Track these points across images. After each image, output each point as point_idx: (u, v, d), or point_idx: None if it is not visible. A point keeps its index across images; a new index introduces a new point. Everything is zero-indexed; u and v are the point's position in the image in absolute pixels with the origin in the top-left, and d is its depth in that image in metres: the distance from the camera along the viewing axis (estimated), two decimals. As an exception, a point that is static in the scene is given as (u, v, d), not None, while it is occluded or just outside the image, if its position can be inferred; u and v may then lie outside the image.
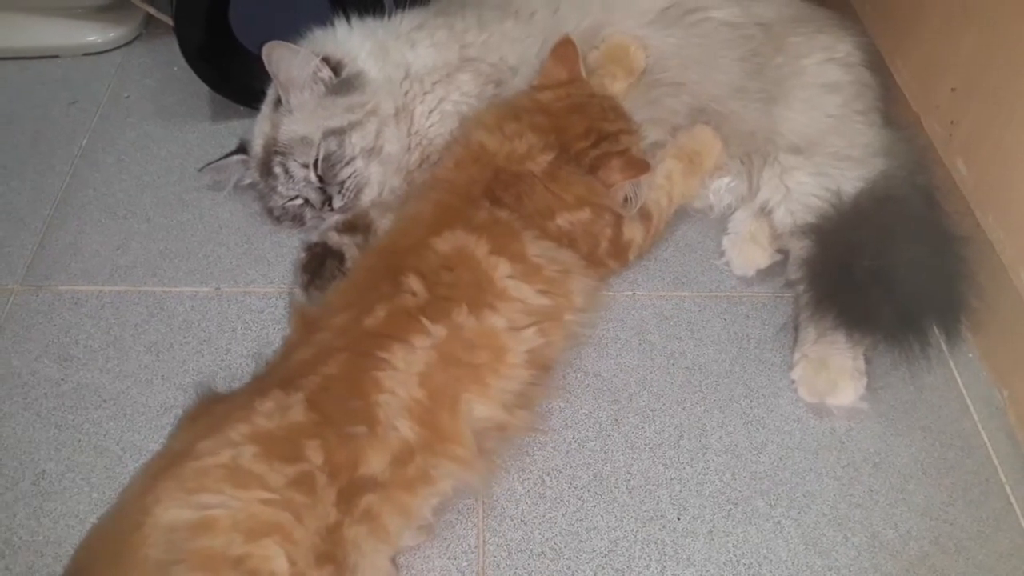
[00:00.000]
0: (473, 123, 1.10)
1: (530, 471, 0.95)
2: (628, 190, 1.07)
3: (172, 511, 0.72)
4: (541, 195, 1.01)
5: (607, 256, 1.07)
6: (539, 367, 0.94)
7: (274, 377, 0.88)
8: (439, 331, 0.87)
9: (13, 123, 1.40)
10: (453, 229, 0.95)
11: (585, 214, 1.03)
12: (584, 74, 1.13)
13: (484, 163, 1.02)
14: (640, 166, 1.05)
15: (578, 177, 1.03)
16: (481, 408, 0.87)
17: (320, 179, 1.12)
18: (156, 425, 0.99)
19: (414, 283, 0.90)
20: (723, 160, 1.15)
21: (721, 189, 1.18)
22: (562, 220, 1.01)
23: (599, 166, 1.04)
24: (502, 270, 0.93)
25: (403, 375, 0.84)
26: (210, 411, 0.87)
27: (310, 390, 0.82)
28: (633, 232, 1.09)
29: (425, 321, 0.87)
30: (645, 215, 1.10)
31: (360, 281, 0.96)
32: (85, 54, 1.53)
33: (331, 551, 0.75)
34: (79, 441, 0.98)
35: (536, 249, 0.97)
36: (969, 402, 1.02)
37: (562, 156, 1.03)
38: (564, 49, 1.12)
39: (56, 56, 1.52)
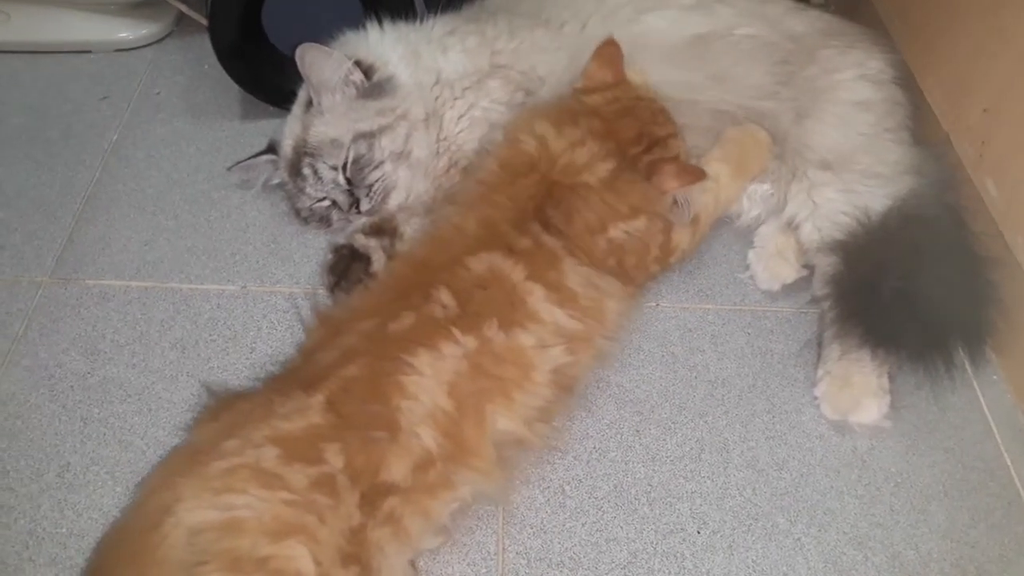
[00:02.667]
0: (525, 125, 1.05)
1: (551, 480, 0.95)
2: (679, 196, 1.04)
3: (197, 511, 0.72)
4: (595, 207, 0.98)
5: (653, 262, 1.06)
6: (563, 387, 0.93)
7: (296, 378, 0.88)
8: (470, 342, 0.87)
9: (45, 117, 1.41)
10: (491, 251, 0.93)
11: (640, 223, 1.01)
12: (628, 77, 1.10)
13: (540, 175, 0.99)
14: (696, 173, 1.03)
15: (634, 186, 1.01)
16: (505, 422, 0.87)
17: (348, 181, 1.12)
18: (180, 421, 0.99)
19: (445, 297, 0.89)
20: (768, 163, 1.14)
21: (756, 195, 1.17)
22: (616, 232, 0.99)
23: (653, 172, 1.02)
24: (537, 295, 0.92)
25: (429, 382, 0.84)
26: (232, 408, 0.87)
27: (331, 392, 0.82)
28: (681, 237, 1.07)
29: (456, 331, 0.87)
30: (693, 219, 1.09)
31: (390, 288, 0.96)
32: (117, 50, 1.54)
33: (356, 552, 0.75)
34: (104, 435, 0.98)
35: (576, 278, 0.95)
36: (992, 424, 1.01)
37: (622, 164, 1.01)
38: (608, 50, 1.09)
39: (88, 51, 1.53)
